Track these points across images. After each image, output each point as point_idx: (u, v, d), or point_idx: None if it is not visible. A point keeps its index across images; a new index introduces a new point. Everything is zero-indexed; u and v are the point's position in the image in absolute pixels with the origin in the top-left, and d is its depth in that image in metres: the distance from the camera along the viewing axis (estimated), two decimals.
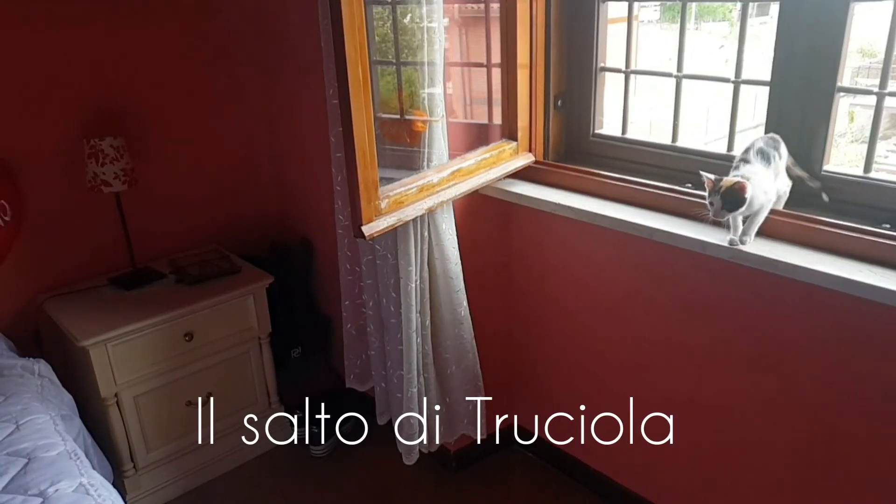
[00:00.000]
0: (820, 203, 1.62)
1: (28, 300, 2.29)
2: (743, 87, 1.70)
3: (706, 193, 1.54)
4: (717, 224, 1.61)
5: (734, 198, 1.49)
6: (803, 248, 1.55)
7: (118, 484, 2.20)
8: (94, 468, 1.72)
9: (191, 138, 2.54)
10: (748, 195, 1.48)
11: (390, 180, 1.72)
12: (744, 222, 1.57)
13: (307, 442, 2.50)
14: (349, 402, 2.54)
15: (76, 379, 2.21)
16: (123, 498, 2.16)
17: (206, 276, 2.36)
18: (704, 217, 1.58)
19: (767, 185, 1.53)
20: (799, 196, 1.64)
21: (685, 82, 1.81)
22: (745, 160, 1.56)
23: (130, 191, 2.26)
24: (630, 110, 1.98)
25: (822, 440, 1.63)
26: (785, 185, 1.61)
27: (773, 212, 1.59)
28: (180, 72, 2.46)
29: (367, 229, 1.59)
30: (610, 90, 2.03)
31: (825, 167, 1.64)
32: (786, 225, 1.58)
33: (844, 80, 1.57)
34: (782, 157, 1.57)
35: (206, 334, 2.28)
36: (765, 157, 1.55)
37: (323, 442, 2.48)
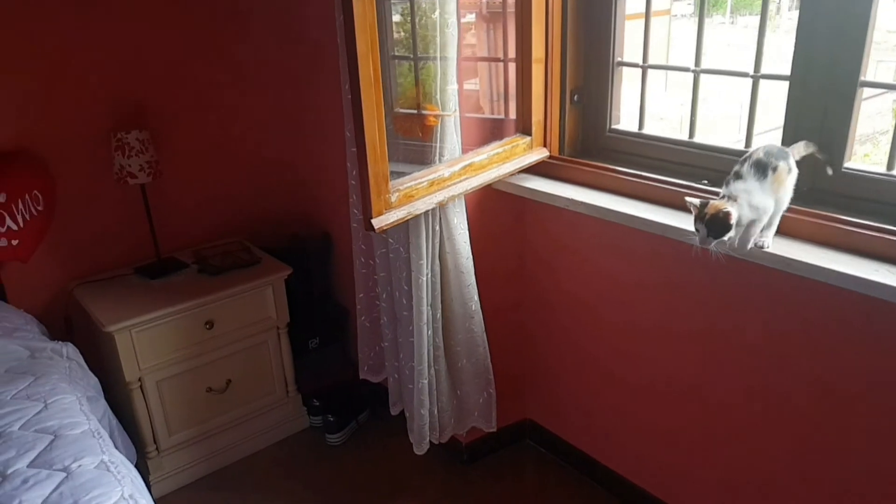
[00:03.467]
0: (838, 201, 1.58)
1: (59, 287, 2.38)
2: (776, 85, 1.66)
3: (692, 219, 1.50)
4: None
5: (718, 226, 1.44)
6: (819, 247, 1.52)
7: (142, 465, 2.27)
8: (118, 448, 1.79)
9: (215, 133, 2.60)
10: (733, 222, 1.43)
11: (403, 174, 1.74)
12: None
13: (323, 430, 2.55)
14: (364, 392, 2.58)
15: (103, 363, 2.29)
16: (147, 478, 2.26)
17: (228, 267, 2.41)
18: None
19: (759, 201, 1.47)
20: (816, 194, 1.61)
21: (720, 79, 1.78)
22: (737, 174, 1.50)
23: (155, 183, 2.33)
24: (662, 106, 1.95)
25: (832, 438, 1.60)
26: (787, 198, 1.52)
27: (789, 209, 1.57)
28: (205, 69, 2.52)
29: (377, 222, 1.62)
30: (635, 86, 2.00)
31: (846, 164, 1.60)
32: (801, 223, 1.55)
33: (869, 73, 1.53)
34: (791, 170, 1.49)
35: (226, 323, 2.34)
36: (761, 170, 1.48)
37: (338, 431, 2.52)
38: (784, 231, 1.57)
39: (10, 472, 1.47)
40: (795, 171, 1.51)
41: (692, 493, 1.99)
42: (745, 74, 1.70)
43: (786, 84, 1.63)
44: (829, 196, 1.61)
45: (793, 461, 1.70)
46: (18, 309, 2.19)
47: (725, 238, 1.45)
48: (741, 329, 1.71)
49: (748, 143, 1.75)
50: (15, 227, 2.10)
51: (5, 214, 2.08)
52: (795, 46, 1.58)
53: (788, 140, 1.62)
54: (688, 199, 1.52)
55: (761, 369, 1.70)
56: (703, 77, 1.80)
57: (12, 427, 1.63)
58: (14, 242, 2.11)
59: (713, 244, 1.47)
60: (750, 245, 1.52)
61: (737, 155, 1.76)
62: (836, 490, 1.64)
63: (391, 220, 1.64)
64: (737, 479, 1.84)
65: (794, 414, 1.67)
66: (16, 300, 2.25)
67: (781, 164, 1.48)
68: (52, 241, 2.31)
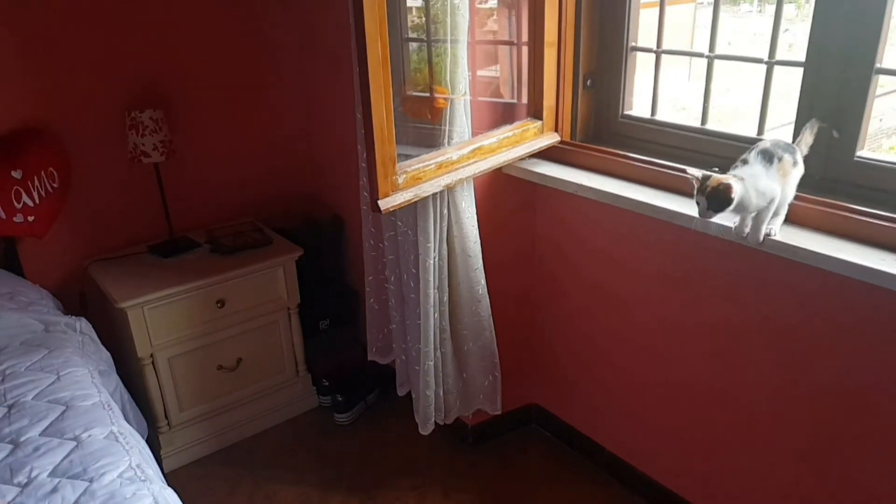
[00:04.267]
0: (850, 191, 1.56)
1: (74, 263, 2.42)
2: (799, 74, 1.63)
3: (694, 192, 1.48)
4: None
5: (719, 199, 1.42)
6: (828, 236, 1.51)
7: (153, 439, 2.32)
8: (130, 422, 1.83)
9: (228, 115, 2.62)
10: (735, 196, 1.41)
11: (412, 157, 1.75)
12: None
13: (332, 410, 2.58)
14: (373, 374, 2.60)
15: (116, 338, 2.33)
16: (158, 452, 2.31)
17: (239, 247, 2.44)
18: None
19: (765, 186, 1.46)
20: (828, 183, 1.59)
21: (746, 69, 1.74)
22: (744, 160, 1.50)
23: (169, 163, 2.36)
24: (685, 96, 1.93)
25: (839, 431, 1.60)
26: (791, 192, 1.52)
27: (798, 197, 1.55)
28: (219, 49, 2.53)
29: (383, 203, 1.62)
30: (668, 73, 1.97)
31: (858, 153, 1.58)
32: (811, 211, 1.54)
33: (886, 61, 1.50)
34: (796, 164, 1.49)
35: (237, 302, 2.37)
36: (767, 157, 1.48)
37: (347, 410, 2.55)
38: (794, 220, 1.56)
39: (23, 439, 1.51)
40: (801, 166, 1.51)
41: (696, 481, 1.99)
42: (759, 60, 1.68)
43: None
44: (841, 185, 1.59)
45: (800, 449, 1.70)
46: (35, 284, 2.23)
47: (725, 212, 1.43)
48: (750, 318, 1.71)
49: (760, 130, 1.73)
50: (31, 204, 2.14)
51: (22, 191, 2.11)
52: (811, 33, 1.56)
53: (801, 127, 1.60)
54: (689, 170, 1.51)
55: (771, 360, 1.69)
56: (729, 67, 1.77)
57: (26, 397, 1.67)
58: (30, 219, 2.15)
59: (714, 217, 1.47)
60: (762, 234, 1.51)
61: (748, 142, 1.74)
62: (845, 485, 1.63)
63: (398, 202, 1.64)
64: (743, 467, 1.84)
65: (801, 404, 1.66)
66: (32, 275, 2.30)
67: (787, 157, 1.49)
68: (67, 219, 2.35)
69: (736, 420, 1.81)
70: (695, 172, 1.49)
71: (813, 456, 1.67)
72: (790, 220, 1.55)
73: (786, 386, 1.67)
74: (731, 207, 1.43)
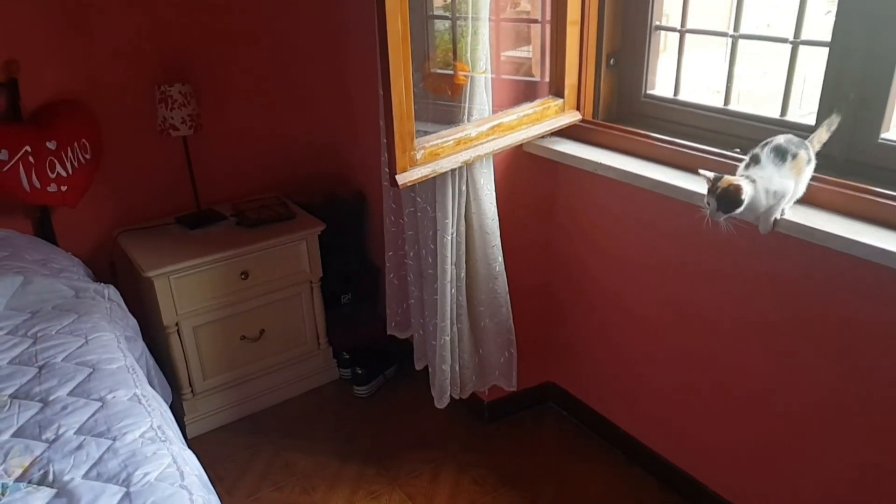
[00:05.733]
0: (874, 174, 1.54)
1: (105, 233, 2.50)
2: None
3: (705, 192, 1.49)
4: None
5: (729, 200, 1.43)
6: (848, 218, 1.49)
7: (177, 406, 2.39)
8: (154, 388, 1.89)
9: (256, 90, 2.65)
10: (745, 197, 1.42)
11: (431, 133, 1.76)
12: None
13: (351, 382, 2.63)
14: (393, 348, 2.64)
15: (143, 307, 2.41)
16: (181, 419, 2.38)
17: (264, 221, 2.49)
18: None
19: (778, 185, 1.45)
20: (851, 165, 1.57)
21: (783, 52, 1.71)
22: (756, 158, 1.48)
23: (197, 137, 2.41)
24: (719, 78, 1.89)
25: (853, 416, 1.59)
26: (802, 188, 1.51)
27: (821, 180, 1.53)
28: (249, 25, 2.56)
29: (401, 178, 1.64)
30: (704, 55, 1.94)
31: (883, 135, 1.55)
32: (833, 194, 1.52)
33: None
34: (810, 160, 1.48)
35: (261, 274, 2.42)
36: (780, 155, 1.46)
37: (366, 383, 2.60)
38: (816, 202, 1.54)
39: (51, 398, 1.58)
40: (814, 162, 1.49)
41: (710, 463, 1.99)
42: (783, 40, 1.65)
43: None
44: (864, 168, 1.56)
45: (807, 418, 1.69)
46: (66, 252, 2.31)
47: (735, 213, 1.44)
48: (769, 299, 1.69)
49: (783, 111, 1.71)
50: (64, 174, 2.21)
51: (56, 161, 2.18)
52: (837, 13, 1.53)
53: (825, 109, 1.58)
54: (701, 171, 1.52)
55: (789, 342, 1.68)
56: (765, 49, 1.74)
57: (56, 359, 1.74)
58: (63, 188, 2.22)
59: (723, 218, 1.47)
60: (772, 224, 1.51)
61: (771, 123, 1.72)
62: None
63: (415, 177, 1.66)
64: (755, 448, 1.84)
65: (816, 381, 1.65)
66: (65, 244, 2.38)
67: (802, 153, 1.47)
68: (98, 189, 2.41)
69: (753, 402, 1.81)
70: (706, 173, 1.49)
71: (827, 433, 1.66)
72: (809, 201, 1.54)
73: (806, 366, 1.66)
74: (741, 209, 1.44)
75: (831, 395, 1.61)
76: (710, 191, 1.47)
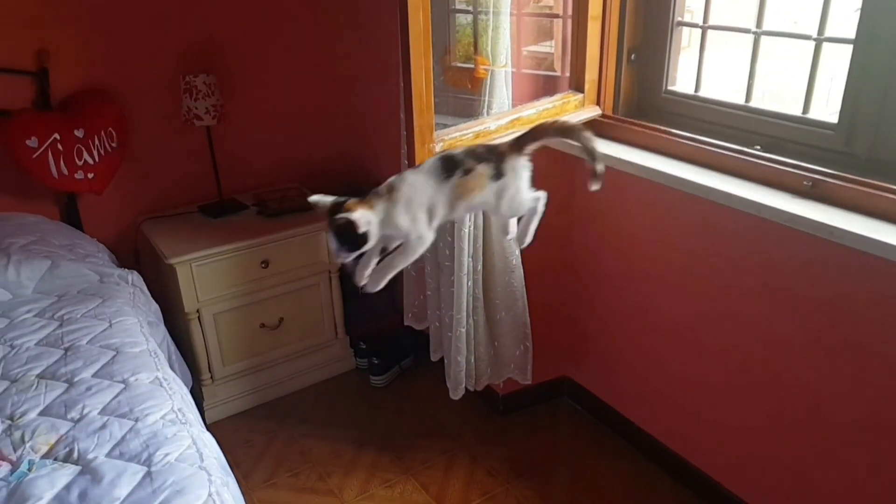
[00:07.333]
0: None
1: (129, 220, 2.55)
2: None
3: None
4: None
5: (346, 236, 1.16)
6: (868, 217, 1.48)
7: (197, 391, 2.44)
8: (175, 372, 1.93)
9: (278, 82, 2.68)
10: (365, 231, 1.15)
11: (450, 127, 1.77)
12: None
13: (368, 372, 2.66)
14: (409, 339, 2.67)
15: (165, 293, 2.45)
16: (201, 404, 2.42)
17: (284, 210, 2.52)
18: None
19: (418, 207, 1.22)
20: (873, 164, 1.55)
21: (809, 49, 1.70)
22: (415, 171, 1.29)
23: (220, 127, 2.44)
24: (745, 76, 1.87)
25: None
26: (520, 204, 1.35)
27: (843, 178, 1.52)
28: (272, 18, 2.59)
29: None
30: (723, 50, 1.92)
31: None
32: (854, 192, 1.51)
33: None
34: (500, 175, 1.29)
35: (281, 263, 2.46)
36: (447, 167, 1.25)
37: (382, 373, 2.63)
38: (836, 201, 1.53)
39: (76, 379, 1.63)
40: (517, 178, 1.31)
41: (725, 461, 1.99)
42: (807, 37, 1.64)
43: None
44: (889, 167, 1.55)
45: (834, 425, 1.69)
46: (92, 238, 2.36)
47: (364, 249, 1.18)
48: (788, 295, 1.69)
49: (805, 109, 1.69)
50: (91, 162, 2.25)
51: (83, 149, 2.23)
52: (862, 8, 1.51)
53: (848, 108, 1.57)
54: (311, 198, 1.22)
55: (816, 342, 1.66)
56: (796, 48, 1.72)
57: (81, 341, 1.78)
58: (90, 176, 2.27)
59: (350, 258, 1.20)
60: (515, 241, 1.39)
61: (792, 120, 1.71)
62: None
63: None
64: (772, 448, 1.84)
65: (852, 394, 1.65)
66: (90, 229, 2.43)
67: (481, 168, 1.26)
68: (123, 177, 2.46)
69: (773, 403, 1.80)
70: (320, 199, 1.20)
71: (860, 447, 1.65)
72: (827, 198, 1.53)
73: (834, 371, 1.65)
74: (373, 243, 1.17)
75: (872, 410, 1.59)
76: (328, 224, 1.17)
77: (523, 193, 1.37)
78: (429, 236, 1.27)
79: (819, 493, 1.74)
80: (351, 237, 1.15)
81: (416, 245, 1.26)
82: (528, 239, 1.46)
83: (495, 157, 1.31)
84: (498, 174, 1.30)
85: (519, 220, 1.46)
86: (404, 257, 1.26)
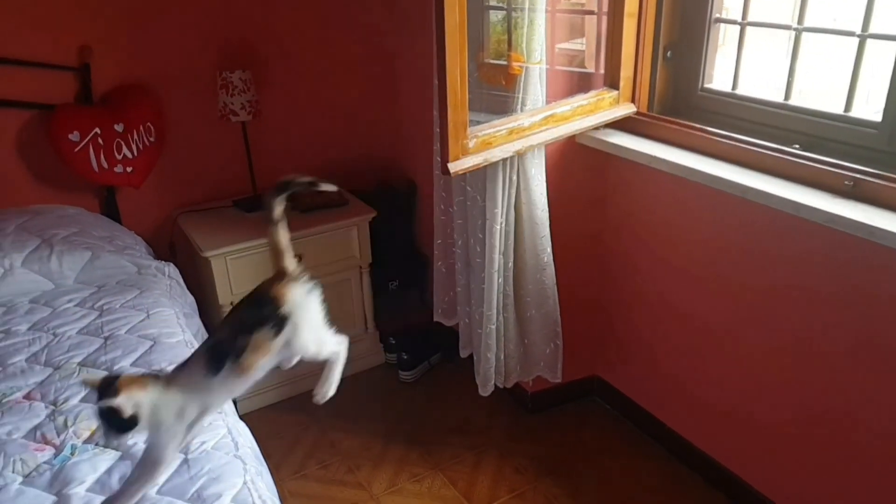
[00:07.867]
0: None
1: (166, 214, 2.60)
2: None
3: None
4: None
5: (113, 421, 1.05)
6: None
7: None
8: None
9: (314, 79, 2.71)
10: (129, 414, 1.04)
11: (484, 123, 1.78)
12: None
13: (397, 367, 2.68)
14: (438, 335, 2.68)
15: (200, 286, 2.49)
16: None
17: (317, 206, 2.55)
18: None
19: (204, 404, 1.12)
20: None
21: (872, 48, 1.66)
22: (195, 357, 1.16)
23: (255, 122, 2.48)
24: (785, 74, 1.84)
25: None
26: (320, 339, 1.21)
27: (877, 175, 1.49)
28: (308, 15, 2.61)
29: (453, 166, 1.67)
30: (759, 47, 1.89)
31: None
32: (891, 190, 1.48)
33: None
34: (280, 332, 1.15)
35: (313, 257, 2.48)
36: (216, 359, 1.12)
37: (411, 368, 2.64)
38: (871, 199, 1.50)
39: (116, 367, 1.67)
40: (300, 319, 1.19)
41: (758, 464, 1.96)
42: (850, 34, 1.61)
43: None
44: None
45: (865, 430, 1.66)
46: (130, 230, 2.41)
47: (135, 431, 1.07)
48: (823, 295, 1.66)
49: (847, 107, 1.66)
50: (130, 156, 2.30)
51: (122, 143, 2.28)
52: None
53: (892, 106, 1.54)
54: (85, 378, 1.17)
55: (854, 345, 1.64)
56: (835, 45, 1.69)
57: (120, 331, 1.83)
58: (129, 170, 2.31)
59: (117, 442, 1.15)
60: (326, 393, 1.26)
61: (833, 119, 1.68)
62: None
63: (467, 165, 1.68)
64: (807, 452, 1.81)
65: (873, 385, 1.62)
66: (128, 222, 2.48)
67: (257, 337, 1.12)
68: (161, 171, 2.51)
69: (807, 407, 1.77)
70: (91, 378, 1.14)
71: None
72: (866, 198, 1.50)
73: (872, 371, 1.62)
74: (143, 423, 1.07)
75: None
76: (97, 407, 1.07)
77: (318, 328, 1.23)
78: (172, 458, 1.19)
79: (853, 502, 1.71)
80: (117, 422, 1.06)
81: (158, 464, 1.16)
82: (332, 391, 1.31)
83: (267, 307, 1.18)
84: (278, 324, 1.16)
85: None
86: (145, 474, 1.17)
